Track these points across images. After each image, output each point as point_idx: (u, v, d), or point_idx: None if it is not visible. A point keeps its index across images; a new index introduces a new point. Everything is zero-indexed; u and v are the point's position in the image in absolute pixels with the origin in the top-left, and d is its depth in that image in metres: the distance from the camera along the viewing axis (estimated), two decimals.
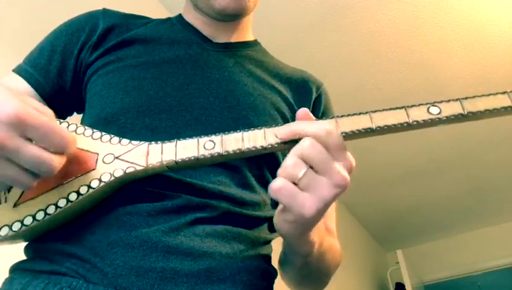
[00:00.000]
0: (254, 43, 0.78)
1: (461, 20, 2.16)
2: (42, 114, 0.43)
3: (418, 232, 4.13)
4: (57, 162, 0.43)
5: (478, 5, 2.09)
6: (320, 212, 0.43)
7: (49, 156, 0.42)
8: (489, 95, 0.47)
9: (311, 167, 0.43)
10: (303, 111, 0.47)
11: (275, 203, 0.66)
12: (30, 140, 0.42)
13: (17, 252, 0.58)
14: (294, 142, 0.47)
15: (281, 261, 0.66)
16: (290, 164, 0.43)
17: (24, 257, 0.55)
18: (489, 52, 2.34)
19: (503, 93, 0.47)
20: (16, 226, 0.46)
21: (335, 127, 0.47)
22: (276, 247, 0.66)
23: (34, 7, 1.37)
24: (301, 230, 0.46)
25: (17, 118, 0.40)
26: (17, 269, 0.53)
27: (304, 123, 0.45)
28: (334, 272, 0.65)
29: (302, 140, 0.44)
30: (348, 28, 2.15)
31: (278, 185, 0.42)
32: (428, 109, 0.47)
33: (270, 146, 0.48)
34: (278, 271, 0.69)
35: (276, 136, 0.47)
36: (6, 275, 0.54)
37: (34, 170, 0.42)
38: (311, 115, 0.47)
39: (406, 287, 3.34)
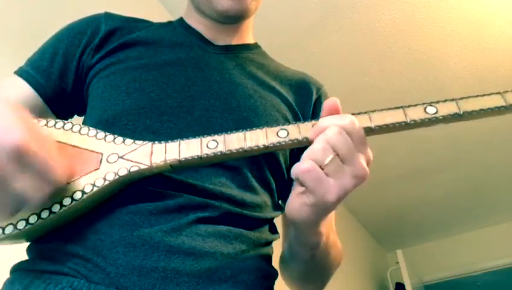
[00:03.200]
0: (254, 46, 0.79)
1: (461, 20, 2.16)
2: (42, 146, 0.42)
3: (418, 232, 4.13)
4: (39, 198, 0.42)
5: (478, 5, 2.09)
6: (340, 200, 0.45)
7: (33, 194, 0.41)
8: (484, 95, 0.49)
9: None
10: (332, 101, 0.49)
11: (275, 205, 0.66)
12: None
13: (17, 253, 0.58)
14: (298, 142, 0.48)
15: (285, 259, 0.66)
16: (319, 148, 0.44)
17: (23, 258, 0.55)
18: (489, 52, 2.34)
19: (497, 93, 0.49)
20: (21, 225, 0.47)
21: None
22: (277, 248, 0.66)
23: (34, 7, 1.37)
24: (318, 215, 0.47)
25: (18, 149, 0.40)
26: (18, 269, 0.53)
27: (328, 119, 0.47)
28: (335, 269, 0.66)
29: (329, 128, 0.45)
30: (348, 28, 2.15)
31: (307, 166, 0.44)
32: (425, 108, 0.49)
33: (271, 145, 0.49)
34: (280, 271, 0.69)
35: (304, 137, 0.49)
36: (7, 275, 0.54)
37: (14, 203, 0.42)
38: (339, 106, 0.49)
39: (406, 287, 3.34)
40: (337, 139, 0.44)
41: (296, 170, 0.45)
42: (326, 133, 0.45)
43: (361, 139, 0.46)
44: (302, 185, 0.46)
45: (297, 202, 0.48)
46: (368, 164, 0.46)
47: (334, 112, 0.49)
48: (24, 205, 0.42)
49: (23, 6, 1.33)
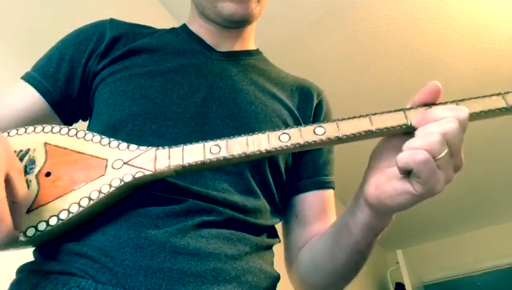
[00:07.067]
0: (256, 52, 0.80)
1: (461, 20, 2.16)
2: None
3: (418, 232, 4.14)
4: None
5: (478, 5, 2.09)
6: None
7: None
8: (485, 96, 0.48)
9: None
10: (435, 85, 0.48)
11: (275, 210, 0.67)
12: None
13: (19, 253, 0.58)
14: (299, 146, 0.48)
15: (318, 256, 0.64)
16: (438, 140, 0.43)
17: (27, 259, 0.55)
18: (489, 52, 2.34)
19: (498, 94, 0.48)
20: (30, 232, 0.47)
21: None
22: (278, 252, 0.67)
23: (35, 9, 1.37)
24: (414, 203, 0.47)
25: None
26: (24, 270, 0.54)
27: (443, 110, 0.45)
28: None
29: (447, 120, 0.44)
30: (348, 28, 2.16)
31: (425, 157, 0.42)
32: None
33: (274, 149, 0.49)
34: (304, 272, 0.68)
35: (408, 122, 0.47)
36: (12, 276, 0.54)
37: None
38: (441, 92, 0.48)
39: (406, 287, 3.34)
40: (456, 134, 0.43)
41: (409, 159, 0.43)
42: (445, 126, 0.43)
43: (464, 133, 0.45)
44: (407, 174, 0.45)
45: (394, 189, 0.46)
46: None
47: (436, 97, 0.48)
48: None
49: (24, 8, 1.33)
